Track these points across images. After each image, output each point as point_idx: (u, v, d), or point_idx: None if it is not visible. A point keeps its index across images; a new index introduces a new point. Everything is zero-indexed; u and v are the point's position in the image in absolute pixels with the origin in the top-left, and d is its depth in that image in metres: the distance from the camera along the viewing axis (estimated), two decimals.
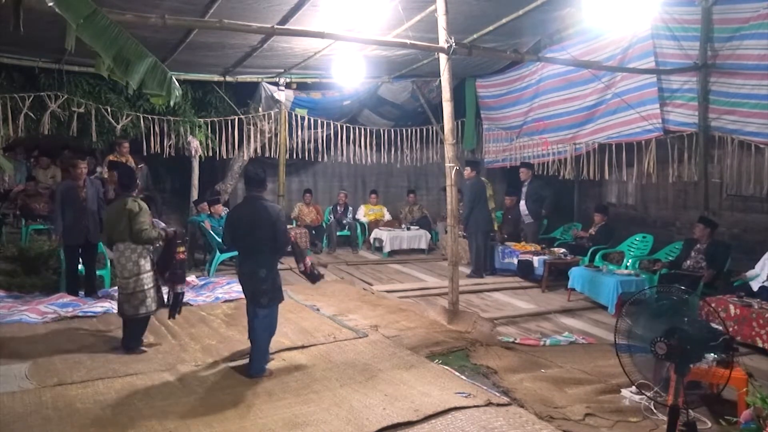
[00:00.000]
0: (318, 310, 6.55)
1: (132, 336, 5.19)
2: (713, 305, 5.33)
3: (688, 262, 6.78)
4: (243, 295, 4.81)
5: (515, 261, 8.44)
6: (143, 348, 5.19)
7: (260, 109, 9.92)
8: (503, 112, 10.32)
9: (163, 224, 5.75)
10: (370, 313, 6.46)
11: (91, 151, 9.51)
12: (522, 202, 9.27)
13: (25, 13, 3.44)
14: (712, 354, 3.55)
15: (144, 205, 5.19)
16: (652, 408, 4.01)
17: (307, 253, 10.05)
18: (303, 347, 5.26)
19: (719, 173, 7.46)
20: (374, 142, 10.81)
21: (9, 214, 9.41)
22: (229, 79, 9.48)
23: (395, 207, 11.87)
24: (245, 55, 8.17)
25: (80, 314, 6.14)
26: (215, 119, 9.60)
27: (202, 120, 9.48)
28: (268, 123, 9.96)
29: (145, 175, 9.80)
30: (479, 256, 8.63)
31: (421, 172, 12.17)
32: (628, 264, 7.67)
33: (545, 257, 8.06)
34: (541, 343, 5.60)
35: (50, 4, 3.39)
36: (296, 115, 10.09)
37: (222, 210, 8.83)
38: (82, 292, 6.86)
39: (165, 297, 5.37)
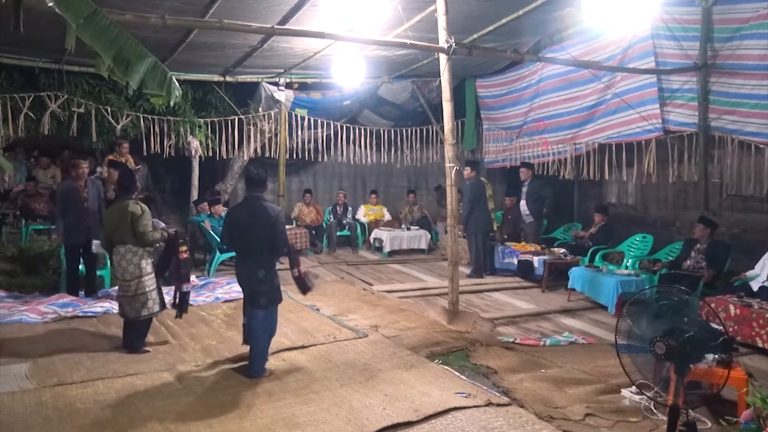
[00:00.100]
0: (318, 310, 6.55)
1: (135, 336, 5.20)
2: (713, 305, 5.34)
3: (688, 262, 6.78)
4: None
5: (515, 261, 8.44)
6: (147, 348, 5.20)
7: (260, 109, 9.92)
8: (503, 112, 10.32)
9: (163, 224, 5.77)
10: (370, 313, 6.46)
11: (91, 151, 9.51)
12: (522, 202, 9.27)
13: (25, 13, 3.44)
14: (712, 354, 3.55)
15: (145, 207, 5.21)
16: (652, 408, 4.01)
17: (307, 253, 10.14)
18: (303, 347, 5.26)
19: (719, 173, 7.46)
20: (374, 142, 10.81)
21: (9, 214, 9.41)
22: (229, 79, 9.48)
23: (395, 207, 11.87)
24: (245, 55, 8.17)
25: (80, 314, 6.14)
26: (215, 119, 9.60)
27: (202, 120, 9.48)
28: (268, 123, 9.96)
29: (145, 175, 9.81)
30: (479, 256, 8.63)
31: (421, 172, 12.17)
32: (628, 264, 7.67)
33: (545, 257, 8.06)
34: (541, 343, 5.60)
35: (50, 4, 3.39)
36: (296, 115, 10.09)
37: (222, 210, 8.83)
38: (82, 292, 6.86)
39: (171, 297, 5.38)
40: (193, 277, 7.72)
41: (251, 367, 4.60)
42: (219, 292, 7.18)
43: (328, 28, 6.12)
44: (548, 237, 9.84)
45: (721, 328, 3.55)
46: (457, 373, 4.71)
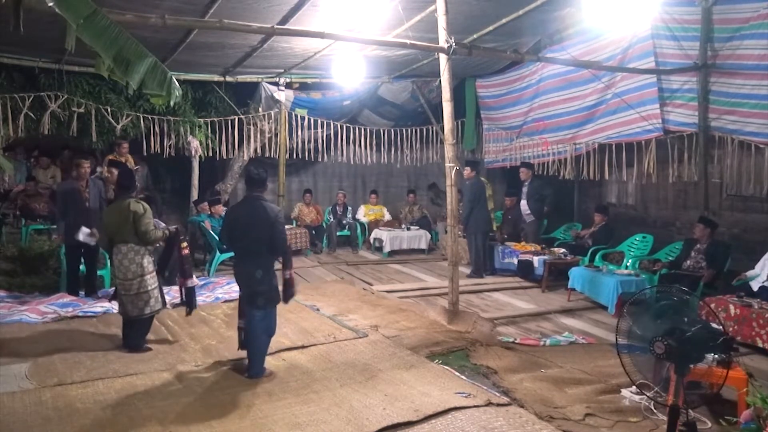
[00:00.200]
0: (318, 310, 6.55)
1: (137, 335, 5.21)
2: (713, 305, 5.34)
3: (688, 262, 6.78)
4: None
5: (515, 261, 8.44)
6: (149, 346, 5.22)
7: (260, 109, 9.92)
8: (503, 112, 10.32)
9: (163, 224, 5.77)
10: (370, 313, 6.46)
11: (91, 151, 9.51)
12: (523, 202, 9.27)
13: (25, 13, 3.45)
14: (712, 354, 3.55)
15: (147, 206, 5.22)
16: (652, 408, 4.02)
17: (307, 253, 10.15)
18: (303, 347, 5.26)
19: (719, 173, 7.46)
20: (374, 142, 10.81)
21: (9, 214, 9.40)
22: (229, 79, 9.48)
23: (395, 207, 11.87)
24: (245, 55, 8.17)
25: (80, 314, 6.14)
26: (215, 119, 9.60)
27: (202, 120, 9.48)
28: (268, 123, 9.96)
29: (145, 175, 9.81)
30: (479, 256, 8.63)
31: (421, 172, 12.18)
32: (628, 264, 7.67)
33: (545, 257, 8.06)
34: (541, 343, 5.60)
35: (50, 4, 3.39)
36: (296, 115, 10.09)
37: (222, 210, 8.83)
38: (82, 292, 6.86)
39: (172, 297, 5.40)
40: (193, 278, 7.75)
41: (251, 368, 4.59)
42: (219, 292, 7.18)
43: (328, 28, 6.12)
44: (548, 237, 9.85)
45: (721, 328, 3.56)
46: (457, 373, 4.71)
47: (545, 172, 9.48)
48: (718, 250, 6.66)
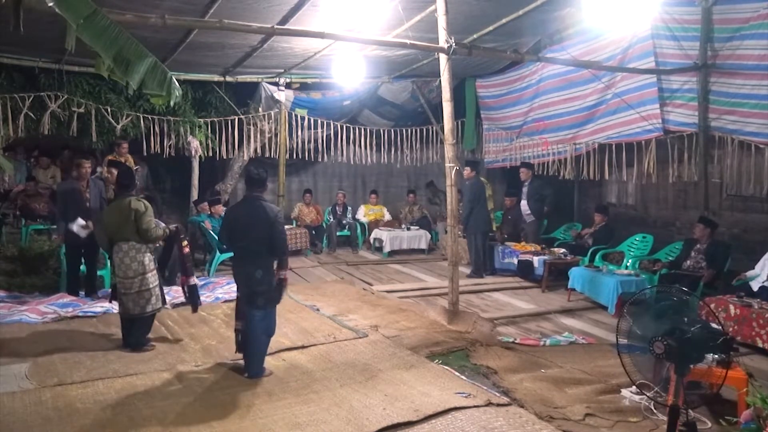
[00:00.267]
0: (318, 310, 6.55)
1: (140, 334, 5.23)
2: (712, 306, 5.34)
3: (688, 262, 6.78)
4: None
5: (515, 261, 8.44)
6: (152, 344, 5.24)
7: (260, 109, 9.92)
8: (503, 112, 10.32)
9: (163, 224, 5.78)
10: (370, 313, 6.46)
11: (92, 151, 9.51)
12: (523, 202, 9.27)
13: (25, 13, 3.45)
14: (712, 354, 3.55)
15: (148, 204, 5.24)
16: (652, 408, 4.02)
17: (307, 253, 10.15)
18: (303, 347, 5.26)
19: (719, 173, 7.46)
20: (374, 142, 10.81)
21: (9, 214, 9.41)
22: (229, 79, 9.48)
23: (395, 207, 11.87)
24: (245, 55, 8.17)
25: (80, 314, 6.14)
26: (215, 119, 9.60)
27: (202, 120, 9.48)
28: (268, 123, 9.96)
29: (145, 175, 9.82)
30: (479, 256, 8.63)
31: (421, 172, 12.18)
32: (628, 264, 7.67)
33: (545, 257, 8.06)
34: (541, 343, 5.60)
35: (50, 4, 3.39)
36: (296, 115, 10.09)
37: (222, 210, 8.83)
38: (82, 292, 6.87)
39: (172, 297, 5.42)
40: (194, 276, 7.77)
41: (250, 369, 4.59)
42: (219, 292, 7.18)
43: (328, 28, 6.12)
44: (548, 237, 9.85)
45: (720, 328, 3.56)
46: (457, 373, 4.71)
47: (545, 172, 9.48)
48: (718, 250, 6.66)
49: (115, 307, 5.57)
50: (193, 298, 5.49)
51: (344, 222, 10.97)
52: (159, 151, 9.13)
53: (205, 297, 7.00)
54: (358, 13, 6.58)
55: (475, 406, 4.05)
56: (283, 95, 9.88)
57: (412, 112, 11.02)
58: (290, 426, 3.76)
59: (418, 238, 10.60)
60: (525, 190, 9.26)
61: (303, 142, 10.32)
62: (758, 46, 6.47)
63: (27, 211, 9.23)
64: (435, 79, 8.87)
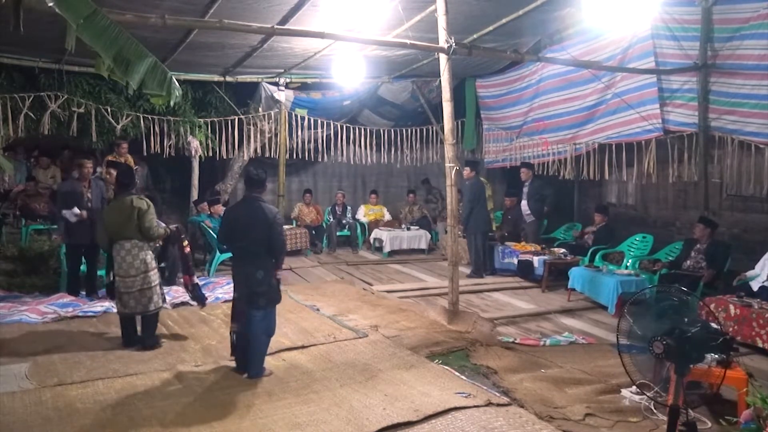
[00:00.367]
0: (318, 310, 6.55)
1: (149, 333, 5.27)
2: (712, 306, 5.34)
3: (688, 262, 6.78)
4: None
5: (515, 261, 8.44)
6: (163, 341, 5.30)
7: (260, 109, 9.92)
8: (503, 112, 10.32)
9: (163, 224, 5.80)
10: (370, 313, 6.46)
11: (92, 151, 9.52)
12: (524, 202, 9.27)
13: (25, 13, 3.45)
14: (712, 354, 3.55)
15: (149, 202, 5.26)
16: (652, 408, 4.02)
17: (307, 253, 10.15)
18: (303, 347, 5.26)
19: (719, 173, 7.46)
20: (374, 142, 10.81)
21: (9, 214, 9.41)
22: (229, 79, 9.48)
23: (395, 207, 11.87)
24: (245, 55, 8.17)
25: (80, 314, 6.15)
26: (215, 119, 9.60)
27: (202, 120, 9.48)
28: (268, 123, 9.96)
29: (145, 175, 9.82)
30: (479, 256, 8.63)
31: (421, 172, 12.17)
32: (628, 264, 7.67)
33: (545, 257, 8.06)
34: (541, 343, 5.60)
35: (50, 4, 3.39)
36: (296, 115, 10.09)
37: (222, 210, 8.84)
38: (83, 292, 6.87)
39: (172, 297, 5.46)
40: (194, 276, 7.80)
41: (250, 368, 4.58)
42: (219, 292, 7.18)
43: (328, 28, 6.12)
44: (548, 237, 9.85)
45: (720, 328, 3.55)
46: (457, 373, 4.71)
47: (545, 172, 9.48)
48: (718, 250, 6.66)
49: (113, 305, 5.59)
50: (198, 296, 5.63)
51: (344, 222, 10.97)
52: (159, 151, 9.14)
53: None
54: (358, 13, 6.58)
55: (475, 406, 4.05)
56: (283, 95, 9.88)
57: (412, 112, 11.02)
58: (290, 426, 3.76)
59: (418, 238, 10.60)
60: (525, 190, 9.26)
61: (303, 142, 10.32)
62: (758, 46, 6.46)
63: (27, 211, 9.23)
64: (435, 79, 8.86)
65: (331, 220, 10.96)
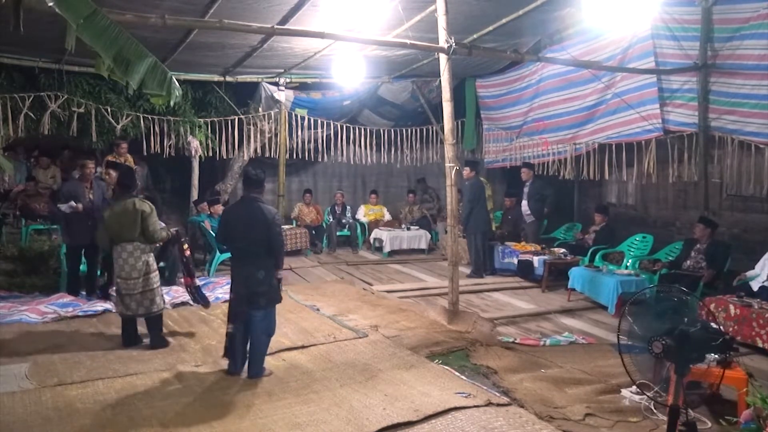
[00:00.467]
0: (318, 310, 6.55)
1: (155, 334, 5.29)
2: (712, 306, 5.34)
3: (688, 262, 6.78)
4: None
5: (515, 261, 8.44)
6: (169, 340, 5.34)
7: (260, 109, 9.92)
8: (503, 112, 10.32)
9: (162, 224, 5.82)
10: (370, 313, 6.46)
11: (92, 151, 9.52)
12: (524, 202, 9.27)
13: (25, 13, 3.45)
14: (712, 354, 3.55)
15: (152, 205, 5.26)
16: (652, 408, 4.02)
17: (307, 253, 10.15)
18: (303, 347, 5.26)
19: (719, 173, 7.46)
20: (374, 142, 10.81)
21: (9, 214, 9.40)
22: (229, 79, 9.48)
23: (395, 207, 11.87)
24: (245, 55, 8.17)
25: (80, 314, 6.15)
26: (215, 119, 9.60)
27: (202, 120, 9.48)
28: (268, 123, 9.96)
29: (145, 175, 9.81)
30: (479, 256, 8.63)
31: (421, 172, 12.17)
32: (628, 264, 7.67)
33: (545, 257, 8.05)
34: (541, 343, 5.60)
35: (50, 4, 3.39)
36: (296, 115, 10.09)
37: (221, 210, 8.84)
38: (83, 292, 6.87)
39: (171, 297, 5.47)
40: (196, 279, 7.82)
41: (251, 368, 4.58)
42: (219, 292, 7.16)
43: (328, 28, 6.12)
44: (548, 237, 9.85)
45: (720, 328, 3.55)
46: (457, 373, 4.71)
47: (545, 172, 9.48)
48: (718, 250, 6.66)
49: (111, 305, 5.61)
50: (201, 297, 5.65)
51: (344, 222, 10.97)
52: (159, 151, 9.14)
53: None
54: (358, 13, 6.58)
55: (475, 406, 4.05)
56: (283, 95, 9.88)
57: (412, 112, 11.03)
58: (290, 426, 3.76)
59: (418, 238, 10.60)
60: (526, 190, 9.26)
61: (303, 142, 10.32)
62: (758, 46, 6.46)
63: (27, 211, 9.22)
64: (435, 79, 8.87)
65: (331, 220, 10.96)
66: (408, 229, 10.71)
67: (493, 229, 9.10)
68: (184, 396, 4.21)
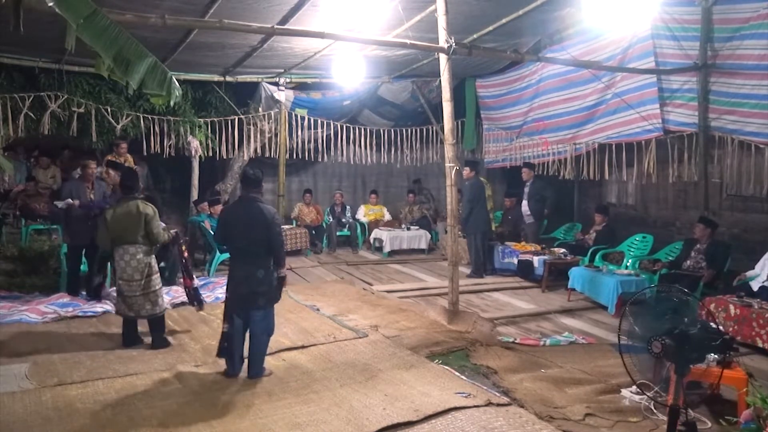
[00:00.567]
0: (318, 310, 6.55)
1: (158, 335, 5.30)
2: (712, 306, 5.34)
3: (688, 262, 6.78)
4: None
5: (515, 261, 8.44)
6: (170, 340, 5.35)
7: (260, 109, 9.92)
8: (503, 112, 10.32)
9: (163, 225, 5.82)
10: (370, 313, 6.46)
11: (92, 151, 9.51)
12: (524, 202, 9.28)
13: (25, 13, 3.44)
14: (713, 354, 3.55)
15: (154, 207, 5.27)
16: (652, 408, 4.02)
17: (307, 253, 10.15)
18: (303, 347, 5.26)
19: (719, 173, 7.46)
20: (374, 142, 10.81)
21: (9, 214, 9.40)
22: (229, 79, 9.48)
23: (395, 207, 11.87)
24: (245, 55, 8.17)
25: (80, 314, 6.15)
26: (215, 119, 9.60)
27: (202, 120, 9.48)
28: (268, 123, 9.96)
29: (145, 175, 9.81)
30: (479, 256, 8.63)
31: (421, 172, 12.17)
32: (628, 264, 7.67)
33: (545, 257, 8.05)
34: (541, 343, 5.60)
35: (50, 4, 3.39)
36: (296, 115, 10.09)
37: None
38: (83, 292, 6.87)
39: (171, 297, 5.48)
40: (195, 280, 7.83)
41: (251, 368, 4.58)
42: (219, 292, 7.16)
43: (328, 28, 6.12)
44: (548, 237, 9.84)
45: (719, 328, 3.55)
46: (457, 373, 4.71)
47: (545, 172, 9.48)
48: (718, 250, 6.66)
49: (110, 306, 5.61)
50: (197, 299, 5.66)
51: (344, 221, 10.97)
52: (159, 151, 9.14)
53: (204, 297, 6.98)
54: (358, 13, 6.58)
55: (475, 406, 4.05)
56: (283, 95, 9.88)
57: (412, 112, 11.03)
58: (290, 426, 3.76)
59: (418, 238, 10.60)
60: (526, 190, 9.26)
61: (303, 142, 10.32)
62: (758, 46, 6.46)
63: (27, 211, 9.22)
64: (435, 79, 8.87)
65: (331, 220, 10.96)
66: (408, 229, 10.72)
67: (493, 229, 9.09)
68: (184, 396, 4.21)
